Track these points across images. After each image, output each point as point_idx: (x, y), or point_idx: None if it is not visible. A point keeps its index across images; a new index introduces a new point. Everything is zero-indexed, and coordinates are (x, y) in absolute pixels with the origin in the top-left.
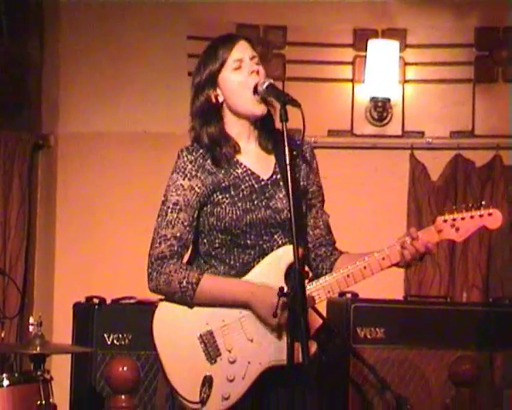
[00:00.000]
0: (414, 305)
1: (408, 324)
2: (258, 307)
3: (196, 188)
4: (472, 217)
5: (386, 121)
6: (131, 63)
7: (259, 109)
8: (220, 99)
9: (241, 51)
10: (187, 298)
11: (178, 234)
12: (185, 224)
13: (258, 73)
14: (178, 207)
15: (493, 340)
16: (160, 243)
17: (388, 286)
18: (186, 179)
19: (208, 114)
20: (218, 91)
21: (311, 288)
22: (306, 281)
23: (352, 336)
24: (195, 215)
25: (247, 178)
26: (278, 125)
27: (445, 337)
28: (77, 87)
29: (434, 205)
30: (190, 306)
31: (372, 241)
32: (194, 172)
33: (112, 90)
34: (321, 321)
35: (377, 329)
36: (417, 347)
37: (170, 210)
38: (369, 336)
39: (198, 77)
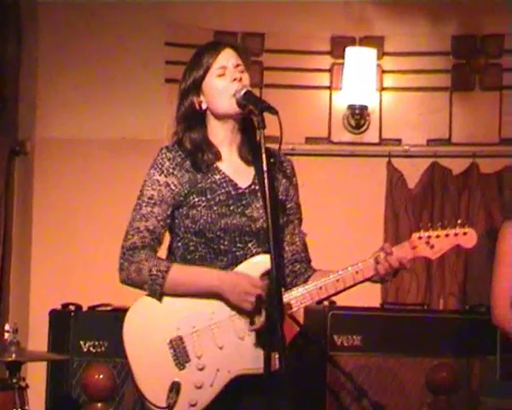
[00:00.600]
0: (391, 312)
1: (385, 331)
2: (229, 293)
3: (172, 185)
4: (447, 235)
5: (363, 129)
6: (109, 69)
7: (240, 108)
8: (204, 106)
9: (226, 59)
10: (156, 286)
11: (151, 227)
12: (159, 218)
13: (240, 80)
14: (153, 201)
15: (470, 347)
16: (132, 235)
17: (365, 294)
18: (162, 175)
19: (192, 119)
20: (202, 98)
21: (284, 298)
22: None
23: (329, 343)
24: (169, 212)
25: (224, 185)
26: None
27: (422, 345)
28: (54, 92)
29: (411, 212)
30: (160, 296)
31: (349, 248)
32: (171, 170)
33: (90, 96)
34: (298, 328)
35: (354, 336)
36: (394, 354)
37: (144, 204)
38: (346, 344)
39: (183, 83)
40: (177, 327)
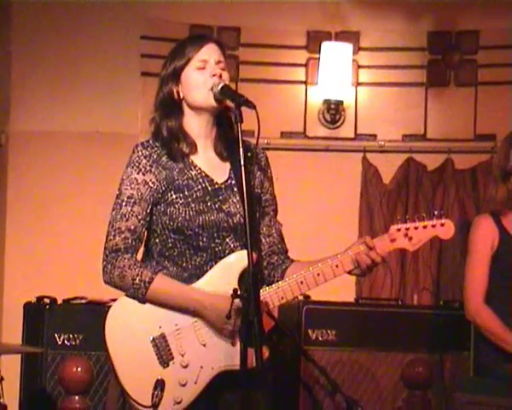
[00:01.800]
0: (365, 307)
1: (359, 326)
2: (208, 314)
3: (150, 183)
4: (425, 227)
5: (338, 124)
6: (84, 62)
7: (216, 102)
8: (181, 95)
9: (208, 53)
10: (139, 295)
11: (132, 227)
12: (139, 217)
13: (220, 76)
14: (133, 200)
15: (444, 343)
16: (114, 236)
17: (340, 288)
18: (140, 174)
19: (169, 107)
20: (180, 88)
21: (264, 293)
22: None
23: (304, 337)
24: (149, 209)
25: (200, 180)
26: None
27: (395, 340)
28: (29, 85)
29: (386, 207)
30: (143, 303)
31: (323, 243)
32: (148, 167)
33: (64, 89)
34: (273, 323)
35: (329, 331)
36: (368, 349)
37: (124, 203)
38: (320, 338)
39: (164, 70)
40: (160, 325)
